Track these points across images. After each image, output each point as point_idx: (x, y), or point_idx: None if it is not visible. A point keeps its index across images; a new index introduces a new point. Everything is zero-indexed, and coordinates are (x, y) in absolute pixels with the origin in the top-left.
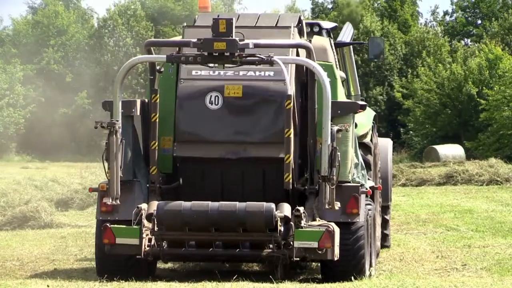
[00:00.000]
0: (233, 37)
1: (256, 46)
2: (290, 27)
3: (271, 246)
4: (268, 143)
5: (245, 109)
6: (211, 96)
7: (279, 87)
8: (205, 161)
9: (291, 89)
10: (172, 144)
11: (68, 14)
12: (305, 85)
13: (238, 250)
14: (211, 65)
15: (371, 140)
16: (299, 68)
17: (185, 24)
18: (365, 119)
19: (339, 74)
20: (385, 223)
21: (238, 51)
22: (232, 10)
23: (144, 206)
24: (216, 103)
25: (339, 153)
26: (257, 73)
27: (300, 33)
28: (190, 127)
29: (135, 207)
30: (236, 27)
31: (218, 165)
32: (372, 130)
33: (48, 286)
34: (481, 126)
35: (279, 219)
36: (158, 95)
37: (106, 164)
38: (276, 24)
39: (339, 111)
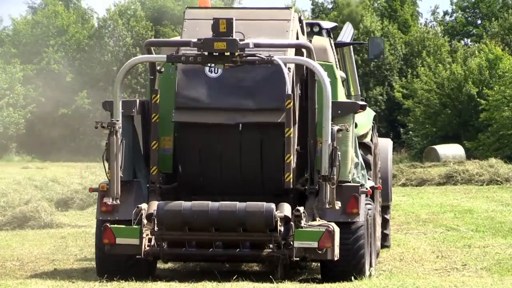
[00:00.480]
0: (233, 37)
1: (256, 45)
2: (290, 7)
3: (271, 246)
4: (267, 109)
5: (244, 77)
6: (210, 64)
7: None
8: (204, 127)
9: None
10: (172, 144)
11: (68, 14)
12: (304, 80)
13: (238, 250)
14: (210, 64)
15: (371, 140)
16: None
17: (186, 7)
18: (365, 119)
19: (339, 74)
20: (385, 223)
21: (238, 50)
22: None
23: (144, 206)
24: (216, 71)
25: (339, 153)
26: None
27: (300, 24)
28: (190, 94)
29: (135, 207)
30: (233, 7)
31: (216, 131)
32: (372, 130)
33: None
34: (481, 126)
35: (279, 219)
36: (158, 95)
37: (106, 164)
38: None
39: (339, 111)
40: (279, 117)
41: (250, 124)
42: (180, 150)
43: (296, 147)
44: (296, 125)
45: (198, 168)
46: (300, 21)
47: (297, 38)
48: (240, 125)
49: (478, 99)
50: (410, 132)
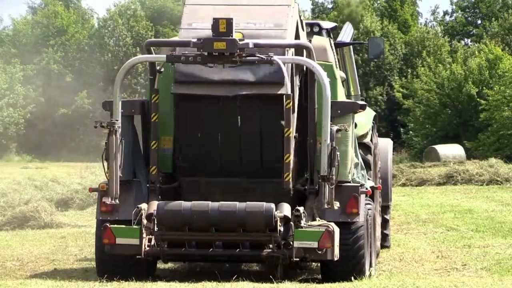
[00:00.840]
0: (233, 37)
1: (256, 45)
2: None
3: (271, 246)
4: (266, 82)
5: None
6: None
7: (279, 34)
8: (203, 99)
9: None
10: (172, 144)
11: (68, 14)
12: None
13: (238, 250)
14: (210, 65)
15: (371, 140)
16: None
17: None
18: (365, 119)
19: (339, 74)
20: (385, 223)
21: (238, 51)
22: None
23: (144, 206)
24: None
25: (338, 153)
26: (257, 25)
27: (300, 23)
28: (189, 69)
29: (135, 207)
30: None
31: (215, 104)
32: (372, 130)
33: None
34: (481, 126)
35: (278, 219)
36: (158, 95)
37: (106, 164)
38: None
39: (339, 111)
40: (278, 89)
41: (249, 97)
42: (179, 126)
43: (294, 134)
44: (296, 112)
45: (197, 143)
46: (300, 20)
47: (297, 28)
48: (238, 97)
49: (478, 99)
50: (410, 132)
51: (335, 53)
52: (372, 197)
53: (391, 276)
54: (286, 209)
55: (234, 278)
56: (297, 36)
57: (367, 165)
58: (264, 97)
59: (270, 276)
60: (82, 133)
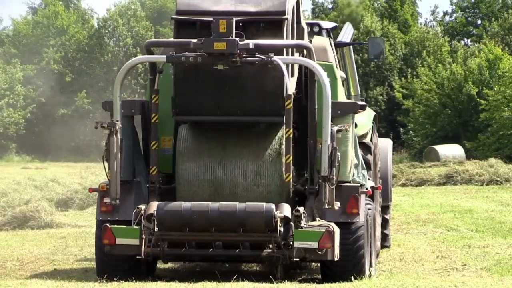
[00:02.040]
0: (233, 37)
1: (256, 46)
2: None
3: (271, 246)
4: (267, 12)
5: None
6: None
7: None
8: (202, 28)
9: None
10: (172, 144)
11: (68, 14)
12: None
13: (238, 250)
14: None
15: (371, 140)
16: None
17: None
18: (365, 119)
19: (339, 74)
20: (385, 223)
21: (238, 51)
22: None
23: (144, 206)
24: None
25: (339, 153)
26: None
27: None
28: (190, 2)
29: (135, 207)
30: None
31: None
32: (372, 130)
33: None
34: (481, 126)
35: (279, 219)
36: (158, 96)
37: (106, 164)
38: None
39: (339, 111)
40: (280, 17)
41: (249, 22)
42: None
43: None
44: (294, 77)
45: (194, 78)
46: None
47: (298, 10)
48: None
49: (478, 99)
50: (410, 132)
51: (335, 53)
52: (372, 197)
53: (391, 276)
54: (286, 210)
55: (234, 278)
56: (297, 10)
57: (367, 165)
58: (264, 24)
59: (270, 276)
60: (82, 133)
